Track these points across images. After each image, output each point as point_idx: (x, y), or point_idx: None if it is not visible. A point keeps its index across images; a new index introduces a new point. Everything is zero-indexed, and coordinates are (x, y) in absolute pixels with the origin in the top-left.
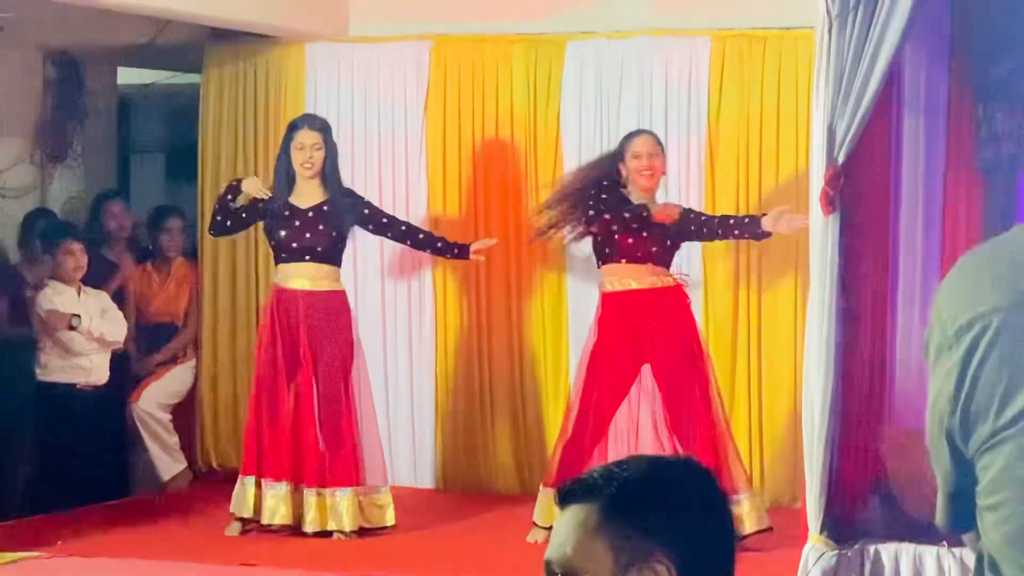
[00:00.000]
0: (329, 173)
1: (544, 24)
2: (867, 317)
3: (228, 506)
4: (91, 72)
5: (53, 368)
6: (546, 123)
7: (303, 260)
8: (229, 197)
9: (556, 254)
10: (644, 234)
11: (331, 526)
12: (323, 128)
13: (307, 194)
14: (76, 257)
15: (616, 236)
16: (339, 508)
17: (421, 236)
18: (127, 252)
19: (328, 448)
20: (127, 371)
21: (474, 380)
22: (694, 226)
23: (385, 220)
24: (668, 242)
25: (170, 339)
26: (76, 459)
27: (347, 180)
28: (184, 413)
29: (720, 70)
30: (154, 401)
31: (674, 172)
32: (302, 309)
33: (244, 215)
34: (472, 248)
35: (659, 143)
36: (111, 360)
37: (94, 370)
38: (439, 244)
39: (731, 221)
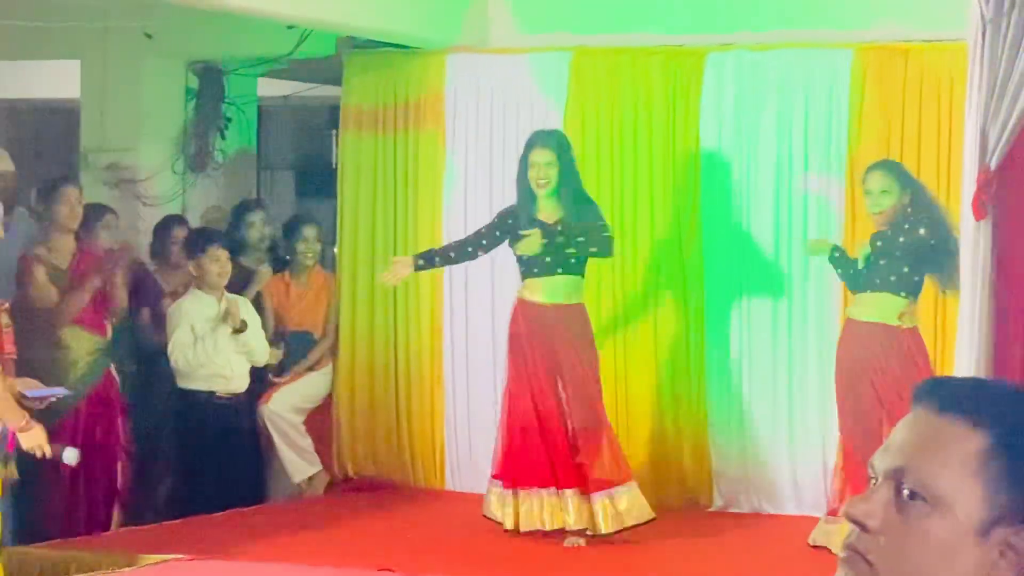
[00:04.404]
0: (565, 189)
1: (684, 36)
2: (1020, 319)
3: (363, 513)
4: (232, 83)
5: (194, 377)
6: (685, 136)
7: (546, 274)
8: (497, 233)
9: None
10: None
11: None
12: (557, 146)
13: (547, 209)
14: (222, 263)
15: None
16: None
17: None
18: (265, 262)
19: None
20: (265, 379)
21: None
22: None
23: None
24: None
25: (308, 349)
26: (215, 465)
27: (487, 190)
28: (321, 421)
29: (862, 83)
30: (286, 403)
31: (815, 186)
32: (550, 321)
33: (498, 233)
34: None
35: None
36: (250, 369)
37: (234, 378)
38: None
39: None
